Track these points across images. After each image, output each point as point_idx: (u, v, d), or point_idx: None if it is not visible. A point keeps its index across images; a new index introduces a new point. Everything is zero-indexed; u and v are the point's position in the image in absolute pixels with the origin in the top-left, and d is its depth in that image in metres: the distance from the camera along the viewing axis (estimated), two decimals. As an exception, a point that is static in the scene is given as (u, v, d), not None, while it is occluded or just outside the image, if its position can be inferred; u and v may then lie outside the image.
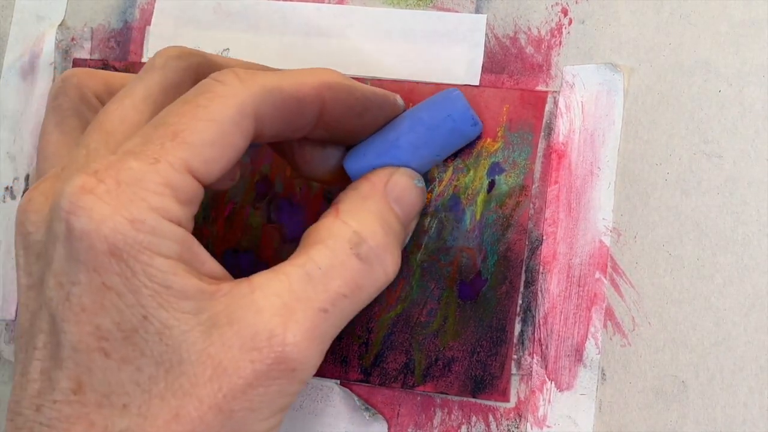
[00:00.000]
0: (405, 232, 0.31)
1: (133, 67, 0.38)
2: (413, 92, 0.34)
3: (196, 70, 0.29)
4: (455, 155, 0.33)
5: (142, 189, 0.24)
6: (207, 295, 0.25)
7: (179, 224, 0.25)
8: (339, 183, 0.32)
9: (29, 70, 0.40)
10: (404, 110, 0.32)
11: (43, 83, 0.39)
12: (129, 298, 0.24)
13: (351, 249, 0.27)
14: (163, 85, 0.29)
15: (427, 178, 0.33)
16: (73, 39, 0.39)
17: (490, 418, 0.32)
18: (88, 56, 0.39)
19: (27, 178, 0.39)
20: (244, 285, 0.26)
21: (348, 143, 0.32)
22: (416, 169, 0.31)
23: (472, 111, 0.32)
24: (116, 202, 0.24)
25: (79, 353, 0.24)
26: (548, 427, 0.32)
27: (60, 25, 0.40)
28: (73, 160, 0.27)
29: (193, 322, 0.25)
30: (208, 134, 0.26)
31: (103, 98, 0.30)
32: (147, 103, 0.28)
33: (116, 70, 0.38)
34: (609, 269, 0.32)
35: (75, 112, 0.30)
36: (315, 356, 0.26)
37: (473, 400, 0.33)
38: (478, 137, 0.33)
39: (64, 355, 0.25)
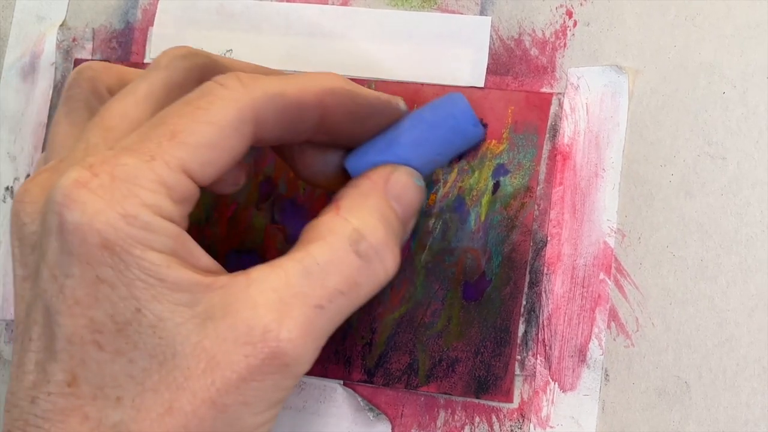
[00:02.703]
0: (404, 230, 0.31)
1: (135, 68, 0.38)
2: (418, 94, 0.34)
3: (201, 71, 0.29)
4: (459, 157, 0.34)
5: (136, 185, 0.25)
6: (202, 287, 0.25)
7: (172, 221, 0.25)
8: (339, 188, 0.32)
9: (30, 71, 0.40)
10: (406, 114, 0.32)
11: (44, 83, 0.39)
12: (122, 291, 0.24)
13: (350, 246, 0.27)
14: (166, 84, 0.29)
15: (431, 180, 0.34)
16: (74, 39, 0.39)
17: (494, 418, 0.32)
18: (89, 57, 0.39)
19: (28, 177, 0.39)
20: (241, 278, 0.26)
21: (349, 147, 0.32)
22: (417, 169, 0.31)
23: (474, 113, 0.32)
24: (110, 196, 0.24)
25: (74, 346, 0.24)
26: (551, 427, 0.32)
27: (61, 25, 0.39)
28: (71, 154, 0.27)
29: (188, 315, 0.25)
30: (207, 136, 0.26)
31: (116, 92, 0.30)
32: (149, 101, 0.28)
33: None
34: (613, 270, 0.32)
35: (86, 104, 0.30)
36: (309, 352, 0.26)
37: (477, 400, 0.33)
38: (481, 142, 0.33)
39: (58, 347, 0.25)
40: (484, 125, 0.34)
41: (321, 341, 0.27)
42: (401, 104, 0.31)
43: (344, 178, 0.32)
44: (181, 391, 0.24)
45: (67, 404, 0.24)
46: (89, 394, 0.24)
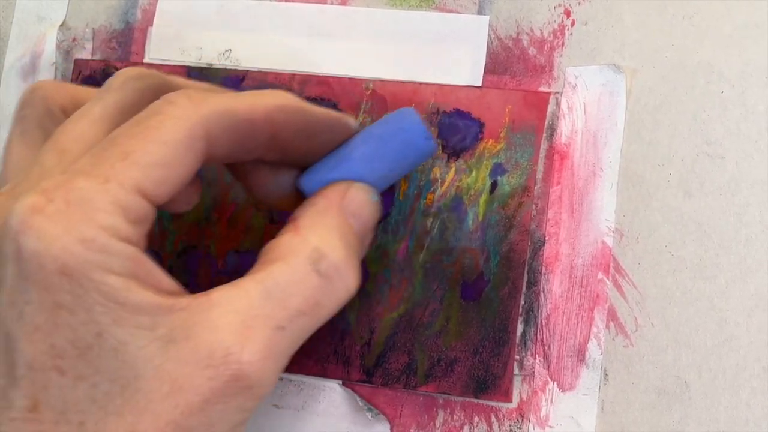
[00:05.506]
0: (361, 246, 0.30)
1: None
2: (416, 93, 0.34)
3: (155, 91, 0.29)
4: (456, 156, 0.34)
5: (92, 208, 0.24)
6: (164, 309, 0.25)
7: (129, 243, 0.25)
8: (292, 208, 0.32)
9: (30, 71, 0.40)
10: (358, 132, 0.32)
11: (45, 84, 0.39)
12: (82, 316, 0.24)
13: (311, 265, 0.27)
14: (120, 105, 0.29)
15: (425, 184, 0.33)
16: (74, 39, 0.39)
17: (493, 418, 0.32)
18: (89, 57, 0.39)
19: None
20: (202, 300, 0.26)
21: (302, 166, 0.32)
22: (371, 184, 0.31)
23: (426, 126, 0.31)
24: (66, 221, 0.24)
25: (35, 372, 0.24)
26: (550, 427, 0.32)
27: (61, 25, 0.40)
28: (26, 178, 0.27)
29: (150, 338, 0.25)
30: (158, 156, 0.26)
31: (69, 112, 0.30)
32: (103, 122, 0.28)
33: (117, 70, 0.38)
34: (611, 270, 0.32)
35: (39, 124, 0.30)
36: (272, 373, 0.26)
37: (476, 400, 0.33)
38: (434, 157, 0.33)
39: (19, 373, 0.24)
40: (482, 123, 0.34)
41: (283, 362, 0.26)
42: (351, 122, 0.31)
43: (298, 198, 0.31)
44: (144, 415, 0.24)
45: (29, 429, 0.24)
46: (51, 419, 0.24)
